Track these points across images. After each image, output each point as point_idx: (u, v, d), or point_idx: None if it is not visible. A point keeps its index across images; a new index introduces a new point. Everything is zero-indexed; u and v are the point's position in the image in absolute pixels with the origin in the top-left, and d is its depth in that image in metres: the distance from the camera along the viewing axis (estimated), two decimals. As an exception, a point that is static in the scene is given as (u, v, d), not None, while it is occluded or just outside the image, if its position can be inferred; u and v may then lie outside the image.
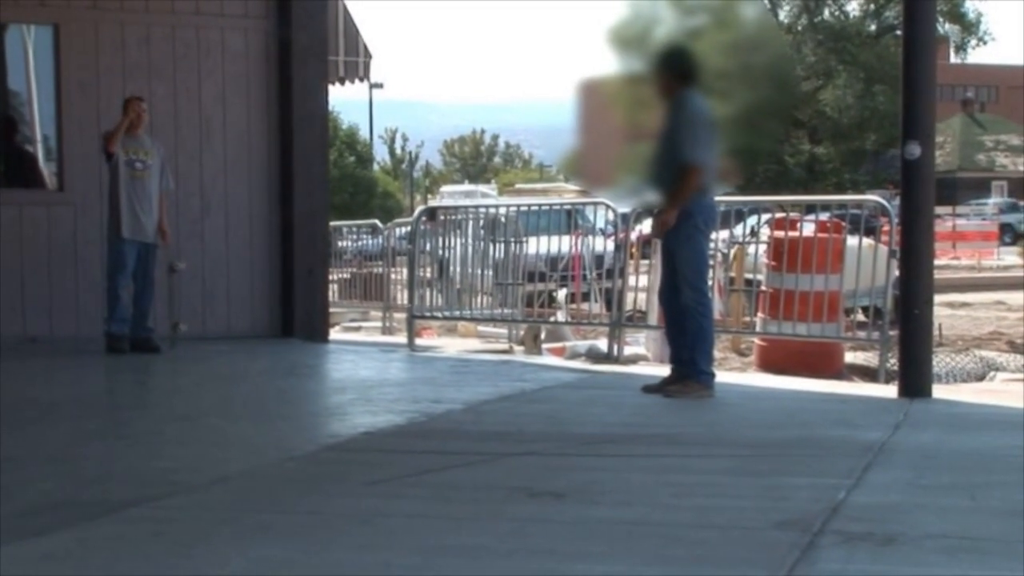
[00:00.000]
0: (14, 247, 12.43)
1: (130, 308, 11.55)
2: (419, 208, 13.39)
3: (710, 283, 13.19)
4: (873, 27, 66.80)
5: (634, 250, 13.89)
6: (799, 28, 64.80)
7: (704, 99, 8.47)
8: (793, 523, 4.72)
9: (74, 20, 12.68)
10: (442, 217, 14.51)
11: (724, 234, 13.05)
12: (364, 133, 71.84)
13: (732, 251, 12.88)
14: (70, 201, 12.61)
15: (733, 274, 12.95)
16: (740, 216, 14.01)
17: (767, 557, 4.28)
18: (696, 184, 8.42)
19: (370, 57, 16.90)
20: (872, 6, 66.72)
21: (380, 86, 66.49)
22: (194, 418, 8.03)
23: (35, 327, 12.44)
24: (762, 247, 12.79)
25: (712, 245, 10.38)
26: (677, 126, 8.42)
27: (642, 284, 13.17)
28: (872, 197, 14.49)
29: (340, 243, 21.62)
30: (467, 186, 64.90)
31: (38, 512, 5.05)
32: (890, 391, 9.05)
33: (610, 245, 15.28)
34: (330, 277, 15.99)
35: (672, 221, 8.49)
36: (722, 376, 9.50)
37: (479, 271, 13.86)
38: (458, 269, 14.00)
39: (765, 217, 15.66)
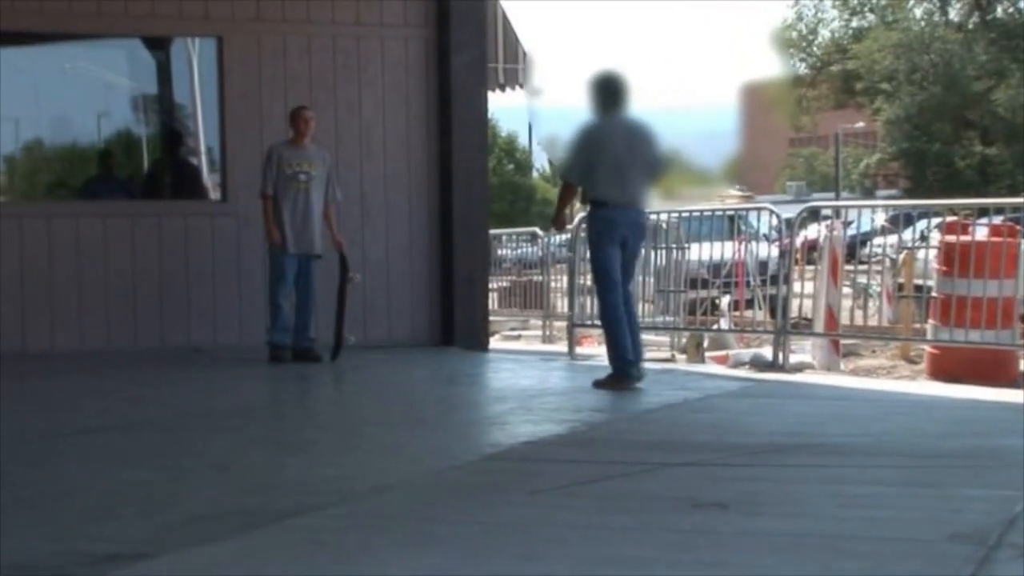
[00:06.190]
0: (179, 258, 12.64)
1: (292, 318, 11.64)
2: (579, 215, 13.31)
3: (847, 288, 12.96)
4: (1049, 24, 65.15)
5: (799, 256, 13.67)
6: (970, 26, 63.50)
7: (611, 128, 9.20)
8: (967, 536, 4.57)
9: (237, 32, 12.87)
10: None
11: (892, 239, 12.78)
12: (523, 140, 72.08)
13: (901, 256, 12.61)
14: (233, 212, 12.76)
15: (903, 280, 12.67)
16: (910, 220, 13.71)
17: (940, 570, 4.15)
18: (567, 195, 9.67)
19: (529, 64, 16.92)
20: (1047, 2, 65.11)
21: (539, 92, 66.71)
22: (355, 427, 8.07)
23: (199, 337, 12.63)
24: (932, 252, 12.50)
25: (880, 250, 10.17)
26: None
27: (807, 290, 12.95)
28: (1047, 199, 14.08)
29: (499, 251, 21.69)
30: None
31: (204, 520, 5.09)
32: (1068, 399, 8.75)
33: (774, 251, 15.06)
34: (490, 285, 16.01)
35: (561, 222, 10.03)
36: (892, 385, 9.29)
37: (640, 278, 13.74)
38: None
39: (935, 221, 15.33)
